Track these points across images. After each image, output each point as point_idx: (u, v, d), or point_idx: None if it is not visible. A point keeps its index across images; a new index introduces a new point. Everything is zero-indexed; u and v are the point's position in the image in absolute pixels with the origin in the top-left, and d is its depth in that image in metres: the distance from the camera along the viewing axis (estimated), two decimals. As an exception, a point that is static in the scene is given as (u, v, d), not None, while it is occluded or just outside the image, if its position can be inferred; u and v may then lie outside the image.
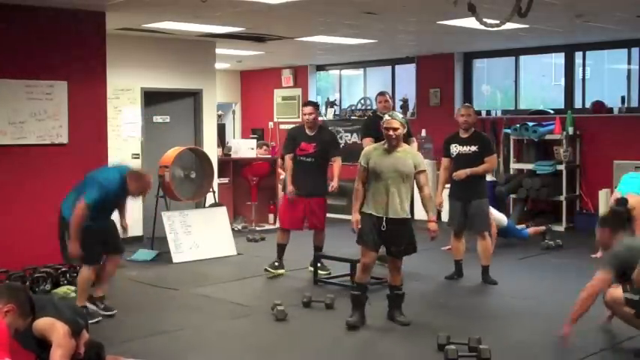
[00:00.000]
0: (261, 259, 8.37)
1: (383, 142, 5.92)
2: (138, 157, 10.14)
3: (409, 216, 5.89)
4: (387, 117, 5.94)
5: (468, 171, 7.25)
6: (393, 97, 10.30)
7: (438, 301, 6.95)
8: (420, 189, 5.94)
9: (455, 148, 7.41)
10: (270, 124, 14.53)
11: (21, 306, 3.83)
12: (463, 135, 7.41)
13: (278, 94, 14.55)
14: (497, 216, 9.04)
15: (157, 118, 10.56)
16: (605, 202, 10.28)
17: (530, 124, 10.98)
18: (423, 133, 12.12)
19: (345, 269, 7.36)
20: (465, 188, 7.31)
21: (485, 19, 5.28)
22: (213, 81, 11.01)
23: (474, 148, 7.32)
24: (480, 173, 7.35)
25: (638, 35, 10.11)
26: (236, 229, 10.43)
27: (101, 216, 6.08)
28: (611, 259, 5.11)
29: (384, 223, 5.77)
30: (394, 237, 5.85)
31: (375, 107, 8.50)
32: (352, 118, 13.35)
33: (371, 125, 8.11)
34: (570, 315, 5.23)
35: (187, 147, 9.47)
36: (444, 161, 7.53)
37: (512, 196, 11.12)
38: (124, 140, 9.99)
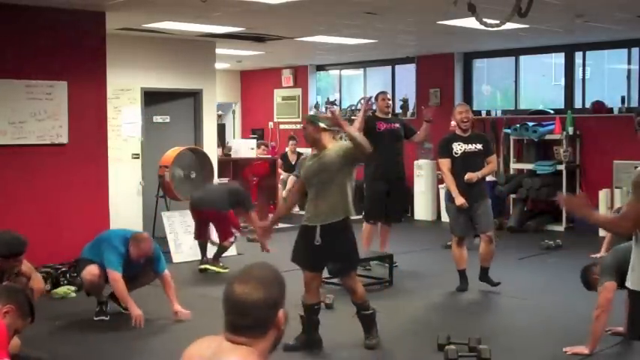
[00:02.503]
0: (261, 258, 8.37)
1: None
2: (138, 157, 10.14)
3: (347, 215, 5.16)
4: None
5: (479, 174, 6.97)
6: (393, 97, 10.32)
7: (438, 301, 6.94)
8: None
9: (459, 147, 6.99)
10: (270, 124, 14.53)
11: (20, 307, 3.85)
12: (464, 134, 7.09)
13: (278, 94, 14.55)
14: None
15: (157, 118, 10.57)
16: (605, 202, 10.29)
17: (530, 124, 10.98)
18: (423, 133, 12.10)
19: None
20: (471, 190, 6.94)
21: (485, 19, 5.29)
22: (213, 81, 11.01)
23: (479, 146, 7.04)
24: (486, 175, 7.19)
25: (638, 35, 10.11)
26: (236, 228, 10.41)
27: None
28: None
29: (317, 236, 5.11)
30: (329, 251, 5.14)
31: (374, 107, 8.52)
32: (352, 118, 13.32)
33: (369, 124, 8.14)
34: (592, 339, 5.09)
35: (187, 147, 9.48)
36: (447, 162, 7.04)
37: (513, 196, 11.12)
38: (124, 140, 9.98)
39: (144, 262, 6.11)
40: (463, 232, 7.08)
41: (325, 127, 5.24)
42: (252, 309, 2.05)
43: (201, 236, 8.23)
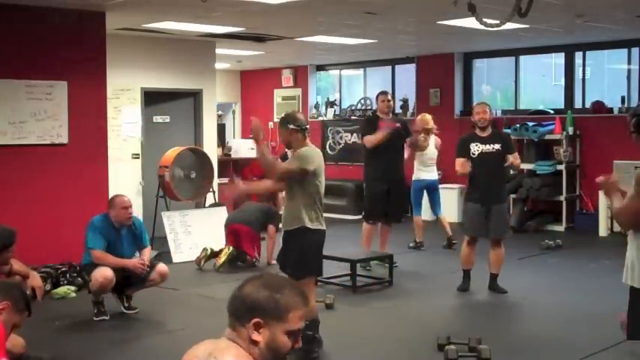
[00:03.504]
0: (261, 258, 8.38)
1: None
2: (138, 157, 10.15)
3: (303, 225, 5.10)
4: None
5: (512, 158, 6.86)
6: (393, 97, 10.28)
7: (438, 301, 6.94)
8: None
9: (476, 147, 6.86)
10: (270, 124, 14.51)
11: (16, 303, 3.82)
12: (482, 134, 6.92)
13: (278, 94, 14.55)
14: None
15: (157, 118, 10.57)
16: (604, 202, 10.28)
17: (530, 124, 10.98)
18: (423, 133, 12.11)
19: (345, 269, 7.37)
20: (489, 191, 6.82)
21: (485, 19, 5.28)
22: (213, 81, 11.01)
23: (497, 147, 6.87)
24: (518, 167, 7.15)
25: (638, 35, 10.11)
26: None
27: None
28: None
29: (282, 240, 5.29)
30: (286, 255, 5.23)
31: (375, 107, 8.54)
32: (352, 118, 13.35)
33: (371, 125, 8.15)
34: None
35: (187, 147, 9.48)
36: (460, 161, 6.90)
37: (512, 196, 11.11)
38: (124, 140, 9.99)
39: (129, 234, 6.23)
40: (475, 233, 6.99)
41: (294, 127, 5.12)
42: (235, 296, 2.16)
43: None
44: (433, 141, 9.25)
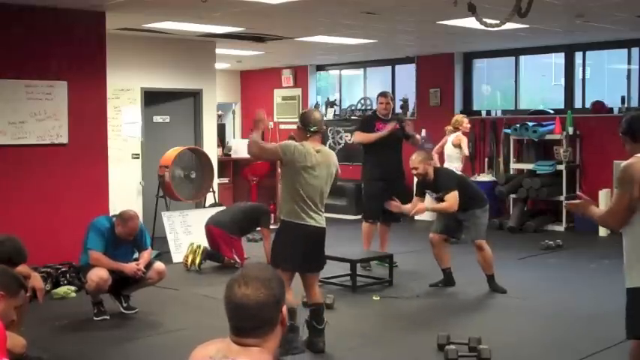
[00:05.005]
0: (261, 258, 8.37)
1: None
2: (138, 157, 10.15)
3: (284, 218, 5.29)
4: None
5: (428, 207, 7.29)
6: (393, 97, 10.22)
7: (438, 301, 6.94)
8: None
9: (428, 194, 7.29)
10: (270, 124, 14.52)
11: (8, 287, 3.71)
12: (431, 184, 7.13)
13: (278, 94, 14.55)
14: None
15: (157, 118, 10.57)
16: (605, 202, 10.29)
17: (530, 124, 10.98)
18: (423, 133, 12.11)
19: (345, 269, 7.36)
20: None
21: (485, 19, 5.29)
22: (213, 81, 11.01)
23: (439, 195, 7.08)
24: (438, 211, 7.22)
25: (638, 35, 10.11)
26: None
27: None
28: None
29: None
30: None
31: (375, 107, 8.55)
32: (352, 118, 13.35)
33: (367, 124, 8.18)
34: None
35: (187, 147, 9.48)
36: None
37: (512, 196, 11.12)
38: (124, 140, 9.99)
39: (132, 243, 6.23)
40: (436, 230, 7.32)
41: (300, 126, 5.28)
42: (256, 310, 2.02)
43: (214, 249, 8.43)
44: (451, 139, 9.56)
